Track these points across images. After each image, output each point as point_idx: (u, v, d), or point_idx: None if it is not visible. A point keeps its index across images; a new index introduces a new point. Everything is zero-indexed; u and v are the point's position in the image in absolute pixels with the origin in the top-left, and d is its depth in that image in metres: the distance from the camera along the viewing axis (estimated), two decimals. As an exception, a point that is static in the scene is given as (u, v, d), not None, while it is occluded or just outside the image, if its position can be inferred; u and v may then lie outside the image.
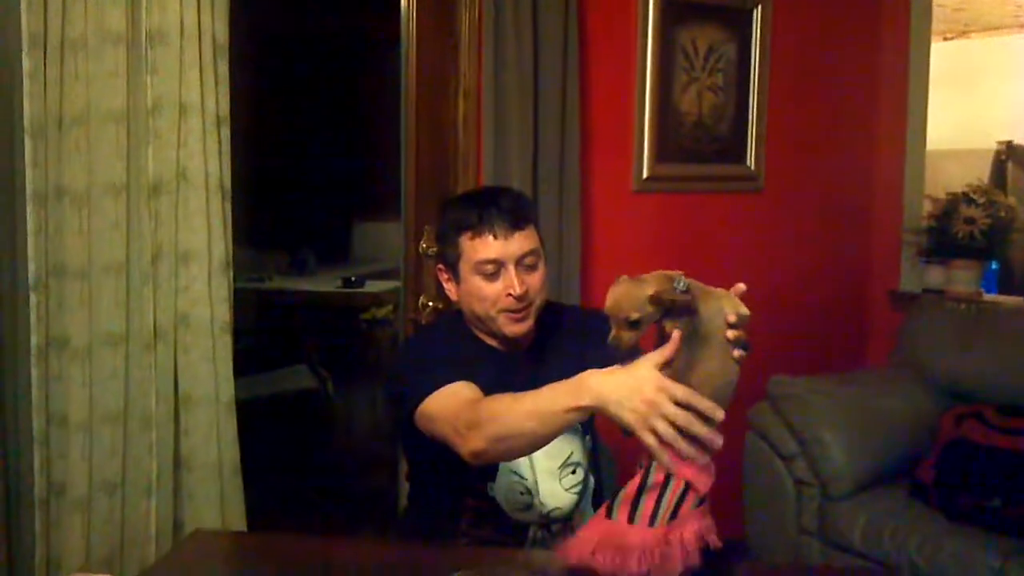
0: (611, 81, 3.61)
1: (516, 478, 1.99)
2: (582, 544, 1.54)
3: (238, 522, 2.93)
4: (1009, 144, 6.13)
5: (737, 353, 1.54)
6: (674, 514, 1.52)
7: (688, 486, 1.52)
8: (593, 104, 3.54)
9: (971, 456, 3.18)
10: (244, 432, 2.98)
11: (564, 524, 2.03)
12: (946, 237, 3.89)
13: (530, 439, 1.68)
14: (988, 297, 4.06)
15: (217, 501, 2.89)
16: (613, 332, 1.56)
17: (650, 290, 1.53)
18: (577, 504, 2.04)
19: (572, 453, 2.03)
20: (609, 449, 2.30)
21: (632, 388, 1.51)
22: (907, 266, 4.20)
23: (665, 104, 3.71)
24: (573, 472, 2.03)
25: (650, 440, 1.50)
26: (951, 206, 3.90)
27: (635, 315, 1.53)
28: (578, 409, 1.59)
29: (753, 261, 3.84)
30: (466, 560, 1.62)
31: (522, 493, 2.00)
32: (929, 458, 3.29)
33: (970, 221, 3.81)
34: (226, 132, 2.84)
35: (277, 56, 5.77)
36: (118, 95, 2.66)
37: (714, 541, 1.53)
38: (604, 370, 1.58)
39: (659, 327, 1.56)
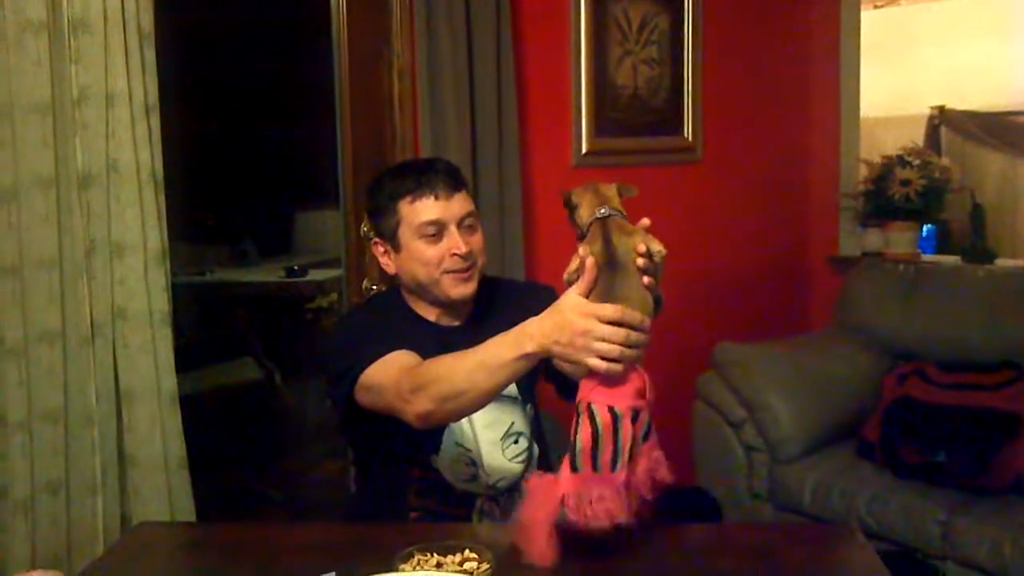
0: (546, 57, 3.60)
1: (460, 449, 1.98)
2: (548, 501, 1.57)
3: (187, 516, 2.90)
4: (942, 109, 6.22)
5: (647, 280, 1.60)
6: (632, 453, 1.58)
7: (636, 416, 1.57)
8: (529, 81, 3.53)
9: (915, 413, 3.24)
10: (193, 427, 2.95)
11: (510, 494, 2.03)
12: (883, 200, 3.93)
13: (477, 394, 1.69)
14: (926, 258, 4.12)
15: (165, 496, 2.85)
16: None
17: (583, 207, 1.69)
18: (522, 474, 2.04)
19: (513, 423, 2.04)
20: (553, 417, 2.29)
21: (563, 322, 1.57)
22: (846, 231, 4.25)
23: (601, 78, 3.71)
24: (516, 442, 2.03)
25: (595, 363, 1.54)
26: (886, 169, 3.94)
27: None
28: (524, 357, 1.61)
29: (694, 231, 3.87)
30: (417, 536, 1.61)
31: (467, 464, 1.99)
32: (874, 417, 3.35)
33: (906, 183, 3.86)
34: (156, 121, 2.80)
35: (207, 46, 5.67)
36: (42, 86, 2.60)
37: (663, 475, 1.61)
38: (538, 316, 1.61)
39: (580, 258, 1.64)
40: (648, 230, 1.64)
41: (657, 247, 1.61)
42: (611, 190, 1.71)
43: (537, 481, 1.62)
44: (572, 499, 1.54)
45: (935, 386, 3.27)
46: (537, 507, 1.58)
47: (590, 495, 1.54)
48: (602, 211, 1.66)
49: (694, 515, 3.35)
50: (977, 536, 2.86)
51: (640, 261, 1.59)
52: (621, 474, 1.56)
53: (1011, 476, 3.01)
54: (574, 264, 1.62)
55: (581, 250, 1.62)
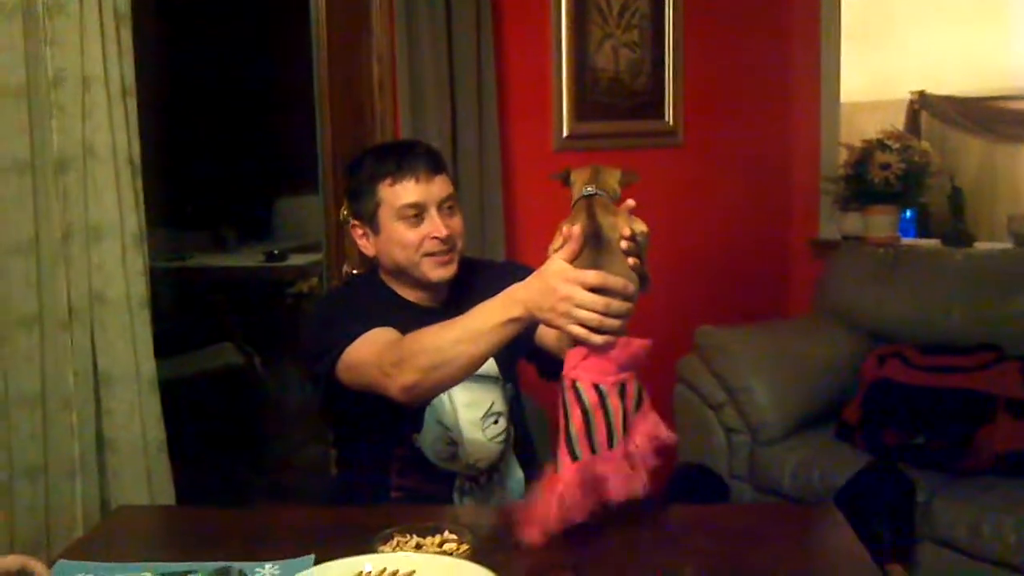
0: (526, 40, 3.59)
1: (441, 428, 1.99)
2: (560, 498, 1.55)
3: (167, 500, 2.89)
4: (922, 94, 6.22)
5: (632, 260, 1.60)
6: (625, 426, 1.59)
7: (623, 389, 1.57)
8: (510, 64, 3.52)
9: (894, 395, 3.25)
10: (173, 413, 2.94)
11: (490, 474, 2.04)
12: (863, 184, 3.94)
13: (464, 363, 1.67)
14: (905, 241, 4.13)
15: (144, 480, 2.84)
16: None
17: (576, 184, 1.70)
18: (502, 454, 2.05)
19: (493, 403, 2.03)
20: (534, 400, 2.29)
21: (547, 288, 1.56)
22: (826, 214, 4.26)
23: (581, 62, 3.70)
24: (495, 422, 2.03)
25: (576, 331, 1.54)
26: (866, 153, 3.95)
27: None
28: (512, 320, 1.61)
29: (675, 215, 3.86)
30: (396, 518, 1.60)
31: (448, 444, 2.00)
32: (854, 399, 3.36)
33: (885, 167, 3.86)
34: (132, 104, 2.78)
35: (186, 30, 5.64)
36: (16, 68, 2.58)
37: (666, 435, 1.62)
38: (523, 281, 1.61)
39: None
40: (632, 212, 1.64)
41: (640, 227, 1.62)
42: (613, 176, 1.71)
43: (544, 480, 1.61)
44: (579, 487, 1.55)
45: (915, 368, 3.29)
46: (543, 504, 1.57)
47: (595, 478, 1.55)
48: (589, 189, 1.67)
49: (702, 495, 3.35)
50: (956, 517, 2.87)
51: (624, 244, 1.59)
52: (619, 449, 1.57)
53: (990, 457, 3.02)
54: (557, 241, 1.61)
55: (564, 226, 1.61)
